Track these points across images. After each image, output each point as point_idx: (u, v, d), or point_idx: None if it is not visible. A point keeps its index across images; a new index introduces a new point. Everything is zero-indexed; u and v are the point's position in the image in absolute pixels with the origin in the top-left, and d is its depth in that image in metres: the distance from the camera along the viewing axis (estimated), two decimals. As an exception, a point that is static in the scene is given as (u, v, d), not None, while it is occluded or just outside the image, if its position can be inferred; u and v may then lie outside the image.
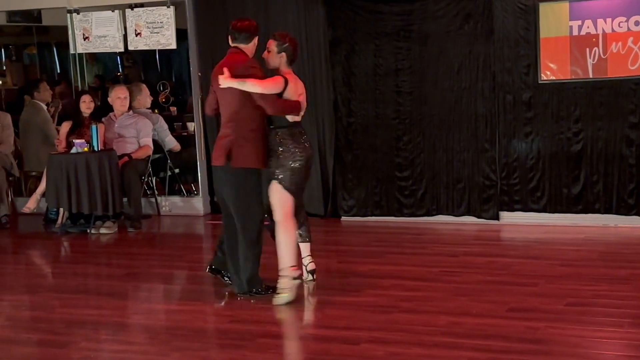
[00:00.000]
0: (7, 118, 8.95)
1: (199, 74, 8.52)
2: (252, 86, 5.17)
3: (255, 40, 5.41)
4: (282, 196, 5.25)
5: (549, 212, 7.36)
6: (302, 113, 5.40)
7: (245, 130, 5.22)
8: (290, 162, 5.26)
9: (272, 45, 5.38)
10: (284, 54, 5.36)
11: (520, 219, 7.45)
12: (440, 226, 7.58)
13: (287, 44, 5.38)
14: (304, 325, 4.77)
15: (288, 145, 5.28)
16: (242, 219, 5.27)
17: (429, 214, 7.75)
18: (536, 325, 4.60)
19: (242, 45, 5.35)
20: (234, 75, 5.17)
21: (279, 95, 5.25)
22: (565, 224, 7.27)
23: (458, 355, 4.19)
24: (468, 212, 7.63)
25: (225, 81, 5.18)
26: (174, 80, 10.51)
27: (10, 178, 8.98)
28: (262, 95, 5.19)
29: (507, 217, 7.52)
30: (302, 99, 5.37)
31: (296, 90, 5.35)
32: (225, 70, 5.19)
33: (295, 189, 5.30)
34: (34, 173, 9.13)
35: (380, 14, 7.69)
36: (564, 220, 7.30)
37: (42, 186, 8.22)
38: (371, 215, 7.96)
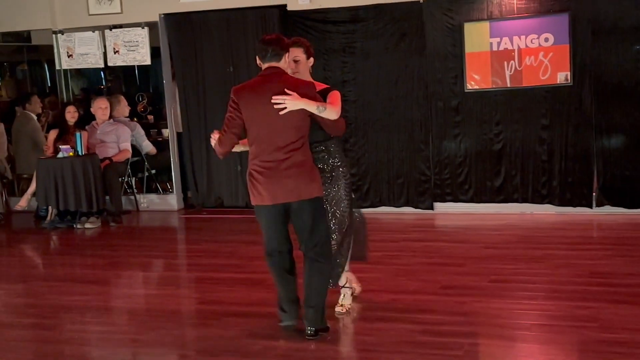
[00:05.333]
0: (1, 127, 8.85)
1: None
2: (330, 112, 3.97)
3: (286, 57, 4.05)
4: None
5: (475, 202, 7.43)
6: None
7: (311, 157, 4.07)
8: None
9: (300, 52, 4.21)
10: (312, 58, 4.28)
11: (451, 208, 7.51)
12: (383, 216, 7.60)
13: (309, 46, 4.26)
14: (263, 305, 4.74)
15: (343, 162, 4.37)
16: (323, 244, 4.13)
17: (373, 205, 7.76)
18: (464, 300, 4.64)
19: (278, 64, 4.01)
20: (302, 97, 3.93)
21: None
22: (489, 212, 7.35)
23: (397, 327, 4.21)
24: (407, 204, 7.67)
25: (297, 102, 3.88)
26: (151, 91, 10.38)
27: (4, 180, 8.85)
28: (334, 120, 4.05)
29: (440, 207, 7.57)
30: None
31: None
32: (290, 92, 3.90)
33: None
34: (25, 175, 8.97)
35: (329, 33, 7.68)
36: (488, 209, 7.38)
37: (33, 187, 8.10)
38: (323, 208, 7.94)
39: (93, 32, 8.61)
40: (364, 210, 7.62)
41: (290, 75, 4.06)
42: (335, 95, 4.13)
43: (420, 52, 7.40)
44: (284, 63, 4.03)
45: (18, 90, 10.77)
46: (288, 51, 4.06)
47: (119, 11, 8.48)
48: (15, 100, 10.17)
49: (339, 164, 4.29)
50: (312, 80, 4.23)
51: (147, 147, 8.75)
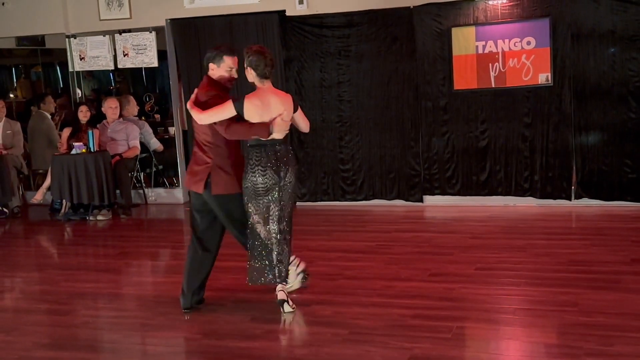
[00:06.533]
0: (17, 125, 8.82)
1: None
2: (192, 113, 4.20)
3: (212, 65, 4.37)
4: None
5: (462, 195, 7.44)
6: (282, 130, 4.27)
7: (224, 159, 4.28)
8: (293, 178, 4.46)
9: (244, 62, 4.43)
10: (249, 68, 4.34)
11: (439, 201, 7.52)
12: (375, 208, 7.62)
13: (250, 57, 4.30)
14: (266, 292, 4.75)
15: (291, 161, 4.43)
16: (242, 231, 4.45)
17: (366, 198, 7.77)
18: (452, 287, 4.65)
19: (208, 73, 4.42)
20: (196, 101, 4.27)
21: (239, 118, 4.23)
22: (475, 204, 7.36)
23: (390, 312, 4.23)
24: (398, 197, 7.67)
25: (188, 105, 4.29)
26: (157, 92, 10.37)
27: (21, 175, 8.84)
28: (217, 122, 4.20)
29: (429, 200, 7.57)
30: (279, 118, 4.24)
31: (268, 110, 4.23)
32: (194, 93, 4.34)
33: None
34: (40, 171, 8.96)
35: (325, 37, 7.68)
36: (473, 201, 7.39)
37: (48, 181, 8.09)
38: (320, 201, 7.95)
39: (104, 36, 8.59)
40: (358, 202, 7.75)
41: (208, 84, 4.34)
42: (218, 105, 4.21)
43: (410, 55, 7.40)
44: (213, 71, 4.39)
45: (33, 91, 10.75)
46: (217, 62, 4.37)
47: (128, 16, 8.46)
48: (30, 101, 10.17)
49: (281, 166, 4.41)
50: (255, 85, 4.41)
51: (155, 144, 8.74)
